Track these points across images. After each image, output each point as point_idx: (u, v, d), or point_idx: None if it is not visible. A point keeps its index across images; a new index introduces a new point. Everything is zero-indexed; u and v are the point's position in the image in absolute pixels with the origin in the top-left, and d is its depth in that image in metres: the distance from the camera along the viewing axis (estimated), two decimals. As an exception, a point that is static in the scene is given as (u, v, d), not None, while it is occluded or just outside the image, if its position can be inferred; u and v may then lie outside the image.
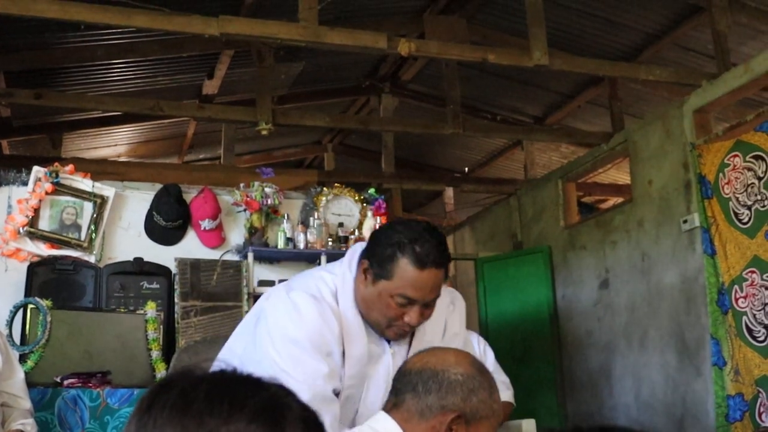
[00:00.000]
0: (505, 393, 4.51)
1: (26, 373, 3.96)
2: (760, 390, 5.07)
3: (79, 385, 4.28)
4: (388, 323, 2.39)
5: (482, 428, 1.95)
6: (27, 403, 3.78)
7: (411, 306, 2.35)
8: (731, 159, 5.43)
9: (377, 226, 6.13)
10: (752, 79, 5.53)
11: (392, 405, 1.98)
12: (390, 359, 2.48)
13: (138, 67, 7.35)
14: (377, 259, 2.36)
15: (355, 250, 2.53)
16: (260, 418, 0.93)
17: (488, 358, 4.61)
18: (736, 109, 6.89)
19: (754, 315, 5.16)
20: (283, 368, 2.28)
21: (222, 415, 0.92)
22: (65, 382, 4.29)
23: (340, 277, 2.48)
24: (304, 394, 2.19)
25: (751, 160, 5.29)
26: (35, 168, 5.33)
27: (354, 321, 2.42)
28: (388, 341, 2.49)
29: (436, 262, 2.34)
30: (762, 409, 5.02)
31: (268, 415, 0.94)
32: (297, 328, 2.34)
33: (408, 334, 2.47)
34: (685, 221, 5.88)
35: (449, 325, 2.65)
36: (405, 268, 2.32)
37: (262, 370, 2.23)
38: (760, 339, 5.13)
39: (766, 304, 5.10)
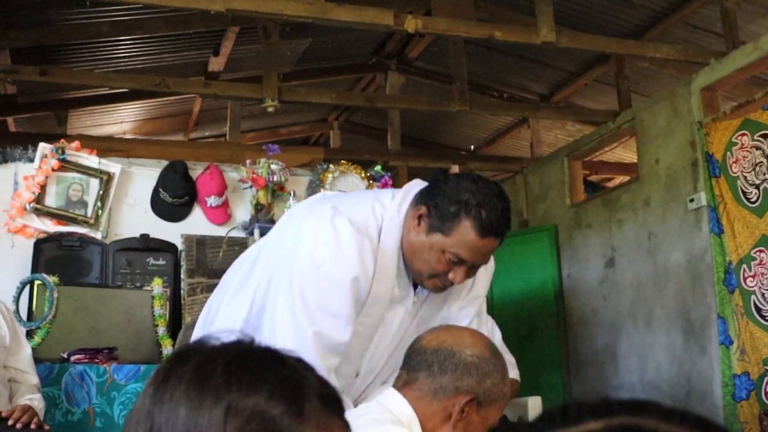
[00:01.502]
0: (511, 371, 4.51)
1: (33, 349, 3.97)
2: None
3: (86, 360, 4.29)
4: (431, 276, 2.34)
5: (492, 411, 1.96)
6: (34, 379, 3.80)
7: (459, 265, 2.29)
8: (739, 138, 5.41)
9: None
10: (761, 57, 5.50)
11: (404, 382, 1.96)
12: (411, 305, 2.43)
13: (144, 43, 7.33)
14: (438, 212, 2.28)
15: (411, 188, 2.44)
16: (279, 394, 0.92)
17: (496, 337, 4.60)
18: (745, 88, 6.85)
19: (763, 294, 5.16)
20: (303, 295, 2.23)
21: (240, 391, 0.91)
22: (72, 358, 4.30)
23: (389, 212, 2.38)
24: (309, 331, 2.20)
25: (759, 138, 5.27)
26: (41, 144, 5.32)
27: (390, 263, 2.35)
28: (415, 287, 2.43)
29: (498, 231, 2.30)
30: (768, 389, 5.03)
31: (288, 390, 0.93)
32: (332, 262, 2.26)
33: (446, 289, 2.40)
34: (691, 200, 5.86)
35: (475, 286, 2.59)
36: (466, 231, 2.26)
37: (273, 285, 2.23)
38: (768, 318, 5.13)
39: (774, 284, 5.10)
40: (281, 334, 2.22)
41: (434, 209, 2.29)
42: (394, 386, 1.99)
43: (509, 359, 4.57)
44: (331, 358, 2.24)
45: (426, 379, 1.92)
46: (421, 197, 2.36)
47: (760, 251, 5.19)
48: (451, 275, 2.31)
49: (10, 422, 3.40)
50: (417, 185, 2.45)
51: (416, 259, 2.34)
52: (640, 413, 0.68)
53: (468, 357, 1.92)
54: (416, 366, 1.95)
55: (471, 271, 2.35)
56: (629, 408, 0.69)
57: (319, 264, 2.27)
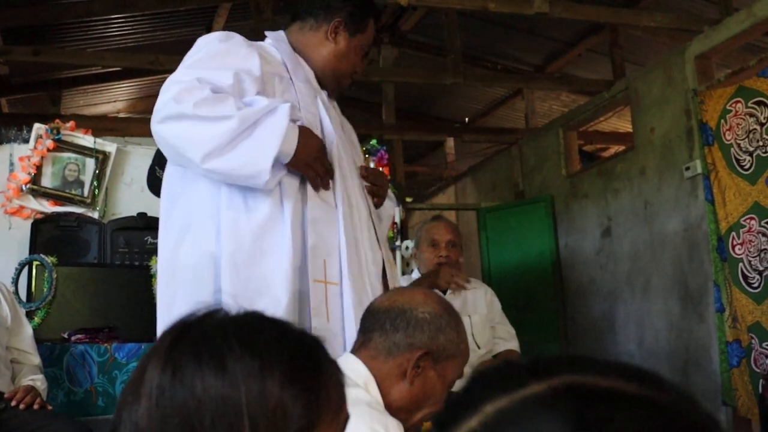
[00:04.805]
0: (511, 342, 4.56)
1: (34, 330, 3.99)
2: (753, 336, 5.10)
3: (87, 340, 4.31)
4: (353, 73, 2.76)
5: (450, 367, 1.99)
6: (36, 359, 3.82)
7: (365, 56, 2.78)
8: (733, 105, 5.41)
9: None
10: (754, 23, 5.48)
11: (360, 344, 2.00)
12: (330, 106, 2.70)
13: (136, 21, 7.31)
14: (353, 18, 2.68)
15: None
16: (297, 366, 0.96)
17: (495, 308, 4.64)
18: (739, 55, 6.85)
19: (750, 261, 5.17)
20: (185, 66, 2.44)
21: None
22: (73, 338, 4.32)
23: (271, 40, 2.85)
24: (189, 78, 2.33)
25: (753, 105, 5.26)
26: (36, 125, 5.32)
27: (297, 66, 2.68)
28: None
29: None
30: (755, 356, 5.06)
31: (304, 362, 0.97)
32: (222, 40, 2.60)
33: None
34: (687, 168, 5.87)
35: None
36: (371, 26, 2.74)
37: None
38: (754, 285, 5.14)
39: (762, 251, 5.11)
40: (163, 93, 2.33)
41: (349, 16, 2.68)
42: (351, 350, 2.03)
43: (509, 330, 4.62)
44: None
45: (380, 338, 1.95)
46: (321, 12, 2.71)
47: (750, 218, 5.20)
48: (358, 69, 2.78)
49: (13, 403, 3.42)
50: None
51: (341, 64, 2.70)
52: (580, 371, 0.66)
53: (420, 314, 1.96)
54: (370, 327, 1.99)
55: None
56: (567, 365, 0.66)
57: (207, 43, 2.57)
